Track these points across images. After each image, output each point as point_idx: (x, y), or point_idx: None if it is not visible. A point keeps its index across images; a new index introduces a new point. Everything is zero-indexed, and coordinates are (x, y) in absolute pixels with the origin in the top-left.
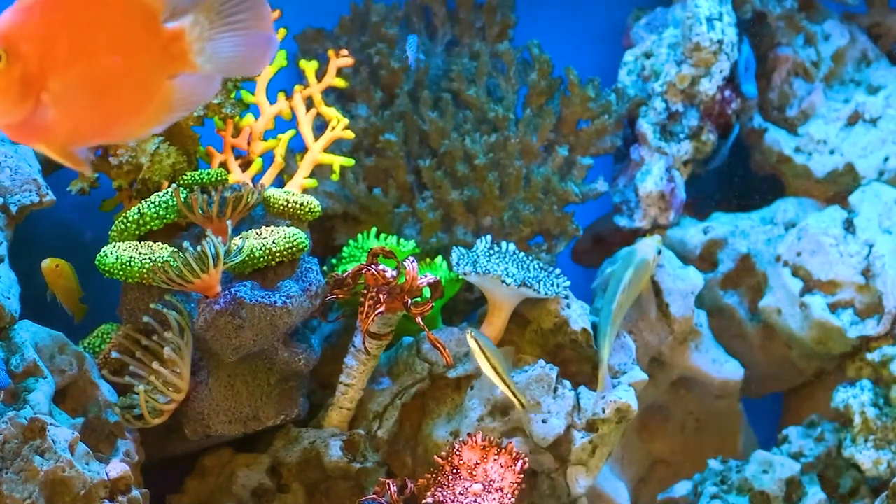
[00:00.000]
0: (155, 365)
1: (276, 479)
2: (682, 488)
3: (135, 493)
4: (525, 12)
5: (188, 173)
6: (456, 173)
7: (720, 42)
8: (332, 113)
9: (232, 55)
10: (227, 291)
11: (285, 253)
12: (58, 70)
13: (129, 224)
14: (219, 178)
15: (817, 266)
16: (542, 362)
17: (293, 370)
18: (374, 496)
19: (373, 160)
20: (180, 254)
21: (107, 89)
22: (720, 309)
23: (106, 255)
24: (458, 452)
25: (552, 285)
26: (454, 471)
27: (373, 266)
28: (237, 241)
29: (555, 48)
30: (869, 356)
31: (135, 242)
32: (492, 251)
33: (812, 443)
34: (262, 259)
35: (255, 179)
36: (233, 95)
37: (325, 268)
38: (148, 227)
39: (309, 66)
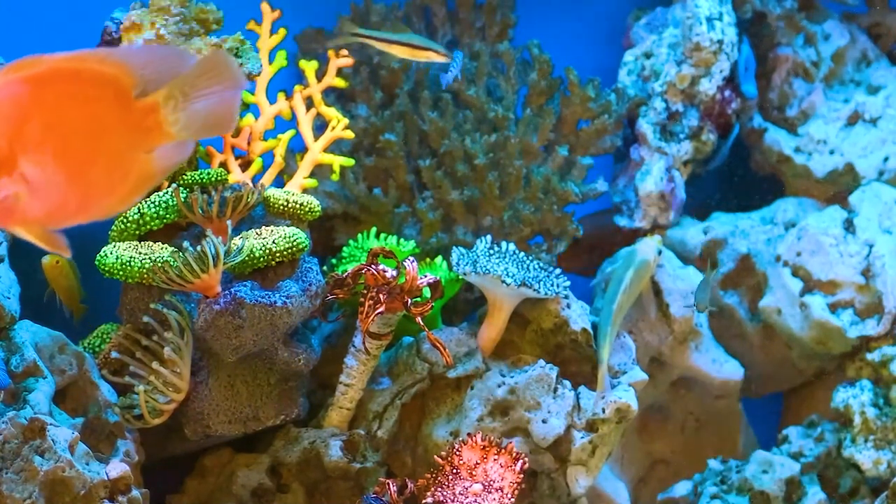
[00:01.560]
0: (155, 365)
1: (276, 479)
2: (682, 488)
3: (135, 493)
4: (525, 12)
5: (188, 173)
6: (456, 173)
7: (720, 42)
8: (332, 113)
9: (206, 121)
10: (227, 291)
11: (285, 253)
12: (29, 152)
13: (129, 224)
14: (219, 178)
15: (817, 266)
16: (542, 362)
17: (293, 370)
18: (375, 494)
19: (373, 160)
20: (180, 254)
21: (83, 169)
22: (720, 309)
23: (106, 255)
24: (458, 452)
25: (552, 285)
26: (454, 471)
27: (373, 266)
28: (237, 241)
29: (555, 48)
30: (869, 356)
31: (135, 242)
32: (492, 251)
33: (812, 443)
34: (262, 259)
35: (255, 179)
36: None
37: (325, 268)
38: (148, 227)
39: (309, 66)
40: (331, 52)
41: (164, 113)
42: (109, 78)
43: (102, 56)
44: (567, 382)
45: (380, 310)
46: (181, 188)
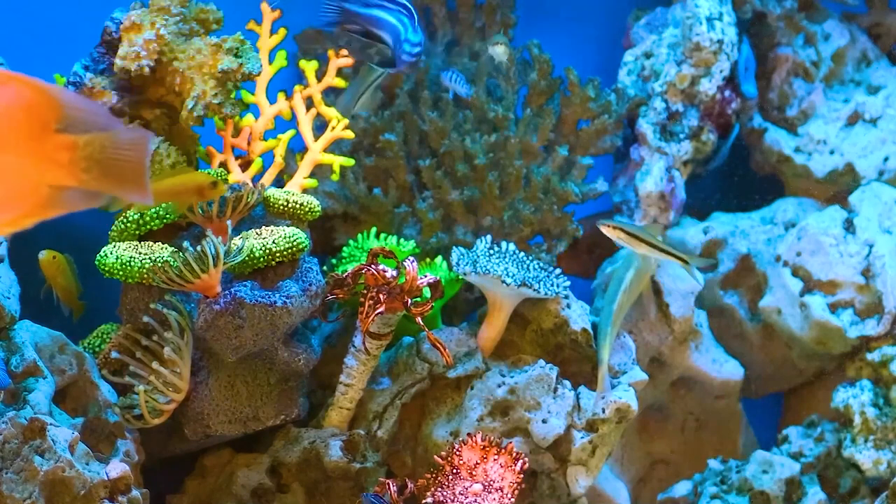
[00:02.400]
0: (155, 365)
1: (276, 479)
2: (682, 488)
3: (135, 493)
4: (525, 12)
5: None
6: (456, 173)
7: (720, 42)
8: (332, 113)
9: (118, 182)
10: (227, 291)
11: (285, 253)
12: None
13: (129, 224)
14: (219, 178)
15: (817, 266)
16: (542, 362)
17: (293, 370)
18: (376, 492)
19: (373, 160)
20: (180, 254)
21: None
22: (720, 309)
23: (106, 255)
24: (458, 452)
25: (552, 285)
26: (454, 471)
27: (373, 266)
28: (237, 241)
29: (555, 48)
30: (869, 356)
31: (135, 242)
32: (492, 251)
33: (812, 443)
34: (262, 259)
35: (255, 179)
36: (233, 95)
37: (325, 268)
38: (148, 227)
39: (309, 66)
40: (331, 52)
41: (80, 155)
42: (30, 101)
43: (37, 83)
44: (567, 382)
45: (380, 310)
46: None
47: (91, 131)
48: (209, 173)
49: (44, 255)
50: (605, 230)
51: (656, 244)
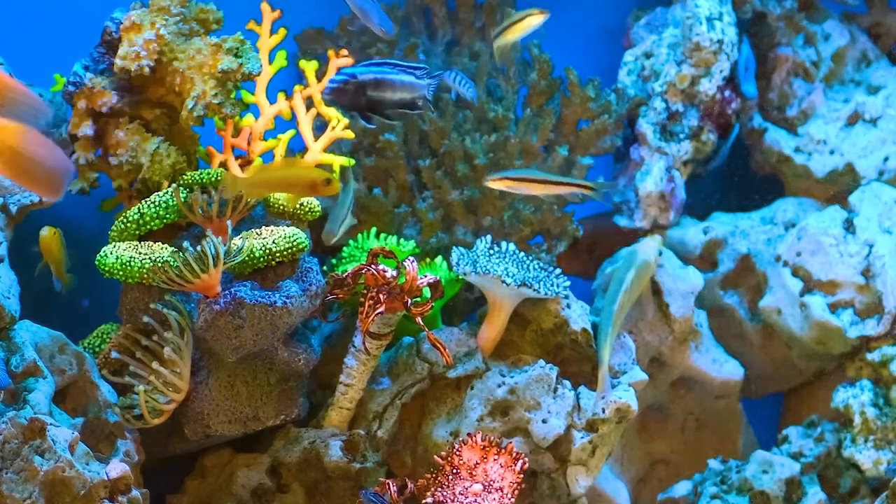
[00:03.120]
0: (155, 365)
1: (276, 479)
2: (682, 488)
3: (135, 493)
4: None
5: (188, 173)
6: (456, 173)
7: (720, 42)
8: (332, 113)
9: (24, 180)
10: (227, 291)
11: (285, 253)
12: None
13: (129, 224)
14: (219, 178)
15: (817, 266)
16: (541, 362)
17: (293, 370)
18: (376, 492)
19: (373, 160)
20: (180, 254)
21: None
22: (720, 309)
23: (106, 255)
24: (458, 452)
25: (552, 285)
26: (454, 471)
27: (373, 266)
28: (237, 241)
29: (555, 48)
30: (869, 356)
31: (135, 242)
32: (492, 251)
33: (812, 443)
34: (262, 259)
35: None
36: (233, 95)
37: (325, 268)
38: (148, 227)
39: (309, 66)
40: (331, 52)
41: None
42: None
43: None
44: (567, 382)
45: (380, 310)
46: (181, 188)
47: (20, 119)
48: (209, 173)
49: (45, 232)
50: (491, 184)
51: (551, 179)
